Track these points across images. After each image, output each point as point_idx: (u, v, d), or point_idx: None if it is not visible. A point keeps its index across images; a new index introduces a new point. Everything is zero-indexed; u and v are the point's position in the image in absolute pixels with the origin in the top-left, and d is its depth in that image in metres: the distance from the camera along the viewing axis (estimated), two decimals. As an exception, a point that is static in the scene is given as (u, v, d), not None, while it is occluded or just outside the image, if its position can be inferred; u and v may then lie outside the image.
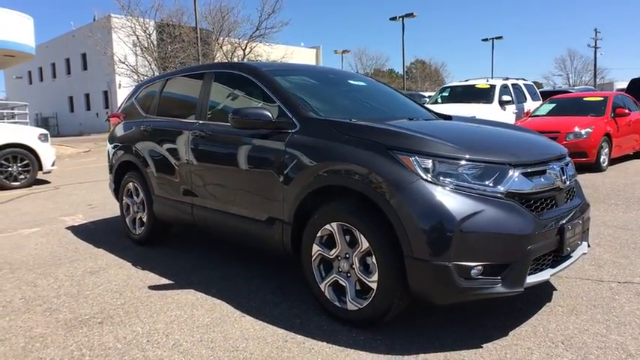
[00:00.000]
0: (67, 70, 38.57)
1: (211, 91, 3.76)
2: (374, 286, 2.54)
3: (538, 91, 12.97)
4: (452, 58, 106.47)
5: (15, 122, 15.92)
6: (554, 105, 10.07)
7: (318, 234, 2.78)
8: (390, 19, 30.48)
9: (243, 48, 24.01)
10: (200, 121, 3.70)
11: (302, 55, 40.32)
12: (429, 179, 2.37)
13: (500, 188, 2.40)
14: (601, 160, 8.55)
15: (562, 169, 2.72)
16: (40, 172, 8.97)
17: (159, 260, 4.07)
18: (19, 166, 8.68)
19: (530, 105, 11.61)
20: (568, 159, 2.97)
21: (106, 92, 34.04)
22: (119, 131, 4.76)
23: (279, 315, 2.91)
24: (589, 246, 3.11)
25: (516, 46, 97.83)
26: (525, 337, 2.57)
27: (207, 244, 4.49)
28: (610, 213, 5.36)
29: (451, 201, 2.33)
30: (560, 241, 2.56)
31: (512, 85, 11.61)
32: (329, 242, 2.76)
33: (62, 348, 2.57)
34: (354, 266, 2.64)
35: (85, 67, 36.08)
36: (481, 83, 11.39)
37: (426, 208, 2.33)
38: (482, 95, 10.89)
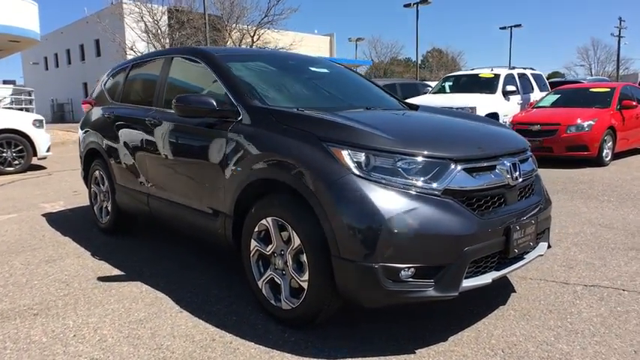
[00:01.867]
0: (82, 57, 38.85)
1: (168, 77, 3.64)
2: (305, 285, 2.41)
3: (547, 81, 12.55)
4: (469, 47, 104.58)
5: (22, 108, 16.11)
6: (558, 96, 9.72)
7: (256, 229, 2.66)
8: (404, 5, 29.89)
9: (252, 35, 23.80)
10: (155, 109, 3.59)
11: (314, 43, 39.94)
12: (360, 174, 2.22)
13: (438, 185, 2.24)
14: (603, 154, 8.23)
15: (514, 165, 2.53)
16: (35, 158, 9.01)
17: (121, 250, 4.00)
18: (14, 152, 8.72)
19: (537, 96, 11.24)
20: (527, 154, 2.78)
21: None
22: (88, 118, 4.68)
23: (217, 312, 2.81)
24: (550, 246, 2.93)
25: (537, 35, 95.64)
26: (465, 342, 2.42)
27: (175, 234, 4.41)
28: (599, 210, 5.12)
29: (380, 198, 2.17)
30: (507, 243, 2.39)
31: (519, 74, 11.25)
32: (266, 238, 2.63)
33: (-14, 340, 2.51)
34: (287, 264, 2.51)
35: (98, 54, 36.27)
36: (485, 72, 11.05)
37: (353, 205, 2.18)
38: (486, 85, 10.58)
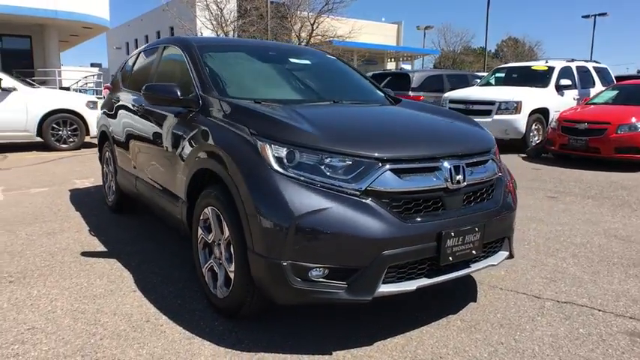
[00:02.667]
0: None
1: (158, 66, 3.77)
2: (232, 276, 2.43)
3: (614, 76, 11.50)
4: (549, 37, 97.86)
5: (94, 89, 17.32)
6: (616, 92, 8.90)
7: (201, 217, 2.71)
8: (476, -8, 28.57)
9: (312, 23, 23.84)
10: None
11: (380, 31, 39.31)
12: (279, 169, 2.19)
13: (357, 185, 2.15)
14: (660, 159, 7.46)
15: (457, 168, 2.36)
16: (88, 137, 9.68)
17: (116, 227, 4.23)
18: (69, 130, 9.42)
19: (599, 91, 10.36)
20: (485, 157, 2.59)
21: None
22: (104, 102, 4.97)
23: (168, 294, 2.90)
24: (512, 256, 2.73)
25: (626, 26, 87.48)
26: (389, 349, 2.33)
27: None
28: (624, 220, 4.68)
29: (294, 195, 2.13)
30: (438, 250, 2.26)
31: (578, 68, 10.41)
32: (209, 227, 2.67)
33: (-43, 302, 2.77)
34: (221, 253, 2.54)
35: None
36: (538, 65, 10.34)
37: (266, 201, 2.16)
38: (538, 78, 9.90)
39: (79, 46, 41.86)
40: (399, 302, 2.79)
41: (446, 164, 2.34)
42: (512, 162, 8.33)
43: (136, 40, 45.30)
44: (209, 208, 2.59)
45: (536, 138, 9.47)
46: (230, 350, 2.29)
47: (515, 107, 9.08)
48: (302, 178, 2.16)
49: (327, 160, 2.20)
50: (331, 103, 3.11)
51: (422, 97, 11.25)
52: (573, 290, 3.04)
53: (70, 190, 5.74)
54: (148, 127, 3.51)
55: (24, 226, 4.26)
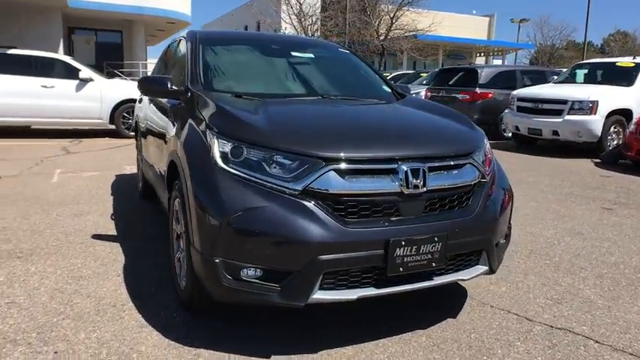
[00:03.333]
0: (246, 36, 42.53)
1: (172, 58, 3.88)
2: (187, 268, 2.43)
3: None
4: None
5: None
6: None
7: (173, 208, 2.74)
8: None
9: (391, 17, 23.37)
10: None
11: (469, 24, 37.56)
12: (222, 164, 2.14)
13: (296, 184, 2.04)
14: None
15: (415, 171, 2.15)
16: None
17: (136, 213, 4.45)
18: (138, 119, 10.08)
19: None
20: (460, 162, 2.34)
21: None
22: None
23: (148, 280, 2.97)
24: (492, 271, 2.46)
25: None
26: (332, 359, 2.20)
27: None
28: (683, 240, 4.05)
29: (231, 192, 2.08)
30: (385, 259, 2.09)
31: (675, 64, 9.15)
32: (178, 218, 2.70)
33: (-34, 272, 3.05)
34: (182, 245, 2.56)
35: (258, 34, 39.30)
36: (624, 61, 9.25)
37: (204, 196, 2.13)
38: (623, 76, 8.86)
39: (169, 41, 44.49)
40: (375, 308, 2.64)
41: (404, 167, 2.14)
42: (581, 167, 7.57)
43: (226, 35, 47.46)
44: (177, 200, 2.61)
45: (615, 142, 8.52)
46: (172, 343, 2.30)
47: (590, 107, 8.22)
48: (243, 175, 2.09)
49: (271, 158, 2.11)
50: (319, 98, 3.00)
51: (490, 95, 10.61)
52: (577, 316, 2.68)
53: (116, 176, 6.12)
54: (153, 118, 3.64)
55: (58, 207, 4.60)
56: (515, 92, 9.55)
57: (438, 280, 2.29)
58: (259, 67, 3.40)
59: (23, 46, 10.68)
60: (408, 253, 2.11)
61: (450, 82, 11.41)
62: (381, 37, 23.71)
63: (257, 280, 2.06)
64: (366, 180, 2.11)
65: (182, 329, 2.42)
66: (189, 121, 2.56)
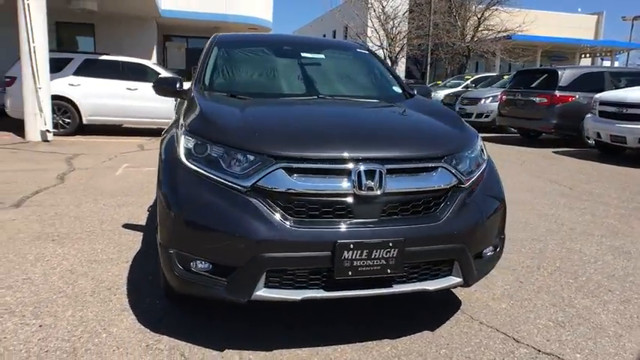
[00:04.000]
0: (334, 41, 43.12)
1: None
2: (164, 259, 2.55)
3: None
4: None
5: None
6: None
7: None
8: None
9: (479, 17, 22.32)
10: None
11: (574, 23, 34.71)
12: (184, 160, 2.21)
13: (244, 182, 2.06)
14: None
15: (372, 172, 2.07)
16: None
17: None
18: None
19: None
20: (423, 164, 2.21)
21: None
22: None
23: (151, 268, 3.14)
24: (467, 284, 2.29)
25: None
26: (282, 359, 2.19)
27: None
28: None
29: (186, 186, 2.16)
30: (332, 261, 2.03)
31: None
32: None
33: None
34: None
35: (345, 38, 39.63)
36: None
37: (165, 189, 2.23)
38: None
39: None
40: (351, 311, 2.59)
41: (357, 168, 2.07)
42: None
43: (316, 40, 48.49)
44: None
45: None
46: (142, 327, 2.42)
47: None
48: (199, 171, 2.16)
49: (228, 155, 2.15)
50: (313, 98, 3.01)
51: (571, 98, 9.77)
52: (575, 342, 2.40)
53: (172, 171, 6.53)
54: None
55: (109, 197, 5.03)
56: (597, 95, 8.70)
57: (399, 289, 2.18)
58: (266, 68, 3.46)
59: (122, 52, 11.75)
60: (357, 256, 2.04)
61: (528, 85, 10.68)
62: (467, 39, 22.78)
63: (206, 273, 2.11)
64: (316, 180, 2.08)
65: (157, 315, 2.55)
66: (176, 119, 2.69)
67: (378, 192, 2.08)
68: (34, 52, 8.46)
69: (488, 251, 2.41)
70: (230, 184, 2.09)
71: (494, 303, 2.82)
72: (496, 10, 22.47)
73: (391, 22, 23.55)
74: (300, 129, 2.35)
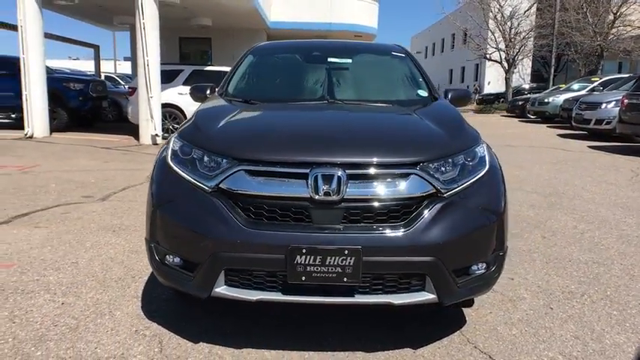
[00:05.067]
0: (452, 45, 41.64)
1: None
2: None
3: None
4: None
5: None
6: None
7: None
8: None
9: (614, 12, 19.78)
10: None
11: None
12: (169, 160, 2.36)
13: (209, 182, 2.14)
14: None
15: (330, 177, 2.01)
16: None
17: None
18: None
19: None
20: (390, 170, 2.09)
21: (477, 65, 35.12)
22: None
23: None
24: (441, 303, 2.11)
25: None
26: (249, 358, 2.22)
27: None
28: None
29: (165, 185, 2.32)
30: (286, 265, 2.02)
31: None
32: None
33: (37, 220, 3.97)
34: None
35: (464, 41, 38.04)
36: None
37: (151, 186, 2.39)
38: None
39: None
40: (337, 319, 2.55)
41: (314, 172, 2.04)
42: None
43: (434, 44, 47.30)
44: None
45: None
46: (141, 315, 2.63)
47: None
48: (178, 171, 2.29)
49: (202, 158, 2.26)
50: (322, 103, 3.00)
51: None
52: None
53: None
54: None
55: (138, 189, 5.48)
56: None
57: (361, 299, 2.09)
58: (289, 74, 3.52)
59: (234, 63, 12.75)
60: (311, 262, 2.00)
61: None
62: (599, 37, 20.39)
63: (177, 267, 2.24)
64: (274, 183, 2.08)
65: (158, 305, 2.75)
66: (189, 122, 2.88)
67: (336, 198, 2.03)
68: (148, 65, 9.55)
69: (478, 269, 2.20)
70: (199, 184, 2.19)
71: (504, 328, 2.54)
72: (634, 3, 19.80)
73: (509, 23, 22.07)
74: (270, 133, 2.37)
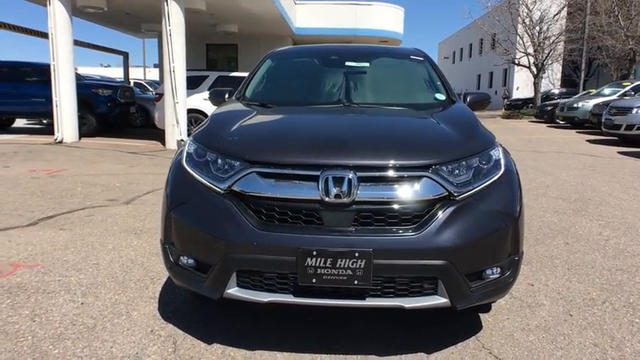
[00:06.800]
0: (480, 50, 41.09)
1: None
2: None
3: None
4: None
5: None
6: None
7: None
8: None
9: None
10: None
11: None
12: (184, 163, 2.40)
13: (222, 184, 2.17)
14: None
15: (341, 180, 2.01)
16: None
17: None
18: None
19: None
20: (404, 173, 2.07)
21: (505, 70, 34.57)
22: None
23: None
24: (454, 308, 2.08)
25: None
26: (232, 357, 2.24)
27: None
28: None
29: (179, 186, 2.35)
30: (296, 267, 2.02)
31: None
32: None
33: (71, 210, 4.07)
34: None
35: (492, 46, 37.52)
36: None
37: (166, 188, 2.44)
38: None
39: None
40: (350, 323, 2.53)
41: (325, 175, 2.04)
42: None
43: (461, 49, 46.79)
44: None
45: None
46: (157, 315, 2.67)
47: None
48: (192, 173, 2.33)
49: (217, 161, 2.29)
50: (339, 106, 3.02)
51: None
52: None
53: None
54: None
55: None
56: None
57: (372, 302, 2.07)
58: (306, 77, 3.54)
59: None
60: (321, 264, 2.00)
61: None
62: (631, 41, 19.76)
63: (190, 269, 2.27)
64: (286, 185, 2.09)
65: (175, 306, 2.79)
66: (204, 126, 2.92)
67: (347, 200, 2.02)
68: (174, 72, 9.74)
69: (492, 273, 2.16)
70: (212, 186, 2.22)
71: (520, 334, 2.48)
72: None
73: (538, 27, 21.66)
74: (282, 136, 2.39)
